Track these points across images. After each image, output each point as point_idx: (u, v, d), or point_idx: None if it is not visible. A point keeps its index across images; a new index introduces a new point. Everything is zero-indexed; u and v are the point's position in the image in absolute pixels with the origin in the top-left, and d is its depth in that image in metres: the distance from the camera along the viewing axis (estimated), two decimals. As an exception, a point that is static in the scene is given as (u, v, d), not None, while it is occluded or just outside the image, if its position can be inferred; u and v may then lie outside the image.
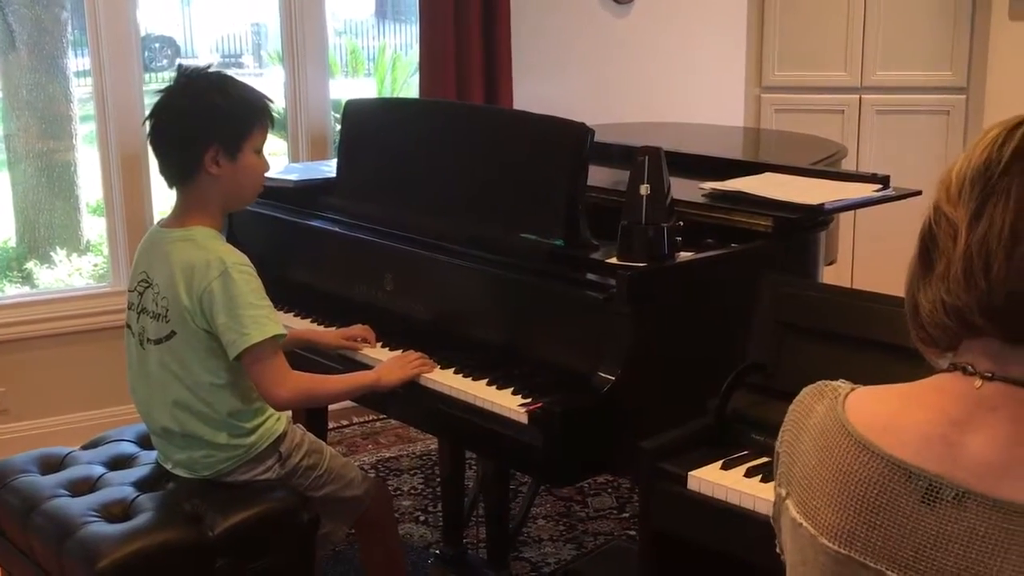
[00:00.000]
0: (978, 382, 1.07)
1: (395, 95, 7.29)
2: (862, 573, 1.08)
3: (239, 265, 2.26)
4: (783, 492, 1.20)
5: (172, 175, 2.34)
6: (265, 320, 2.24)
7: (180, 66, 2.41)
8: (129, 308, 2.40)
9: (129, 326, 2.40)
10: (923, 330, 1.13)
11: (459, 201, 2.67)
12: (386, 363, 2.46)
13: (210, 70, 2.39)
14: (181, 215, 2.35)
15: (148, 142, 2.34)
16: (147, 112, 2.37)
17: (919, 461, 1.06)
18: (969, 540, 1.02)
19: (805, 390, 1.22)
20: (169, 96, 2.33)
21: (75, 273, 4.92)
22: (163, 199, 4.39)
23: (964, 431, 1.06)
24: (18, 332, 3.84)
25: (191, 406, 2.31)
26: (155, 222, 2.44)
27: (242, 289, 2.23)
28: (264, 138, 2.37)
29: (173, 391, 2.31)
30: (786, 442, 1.21)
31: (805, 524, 1.14)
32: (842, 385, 1.19)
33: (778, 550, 1.26)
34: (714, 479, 1.94)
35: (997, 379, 1.07)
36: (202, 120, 2.29)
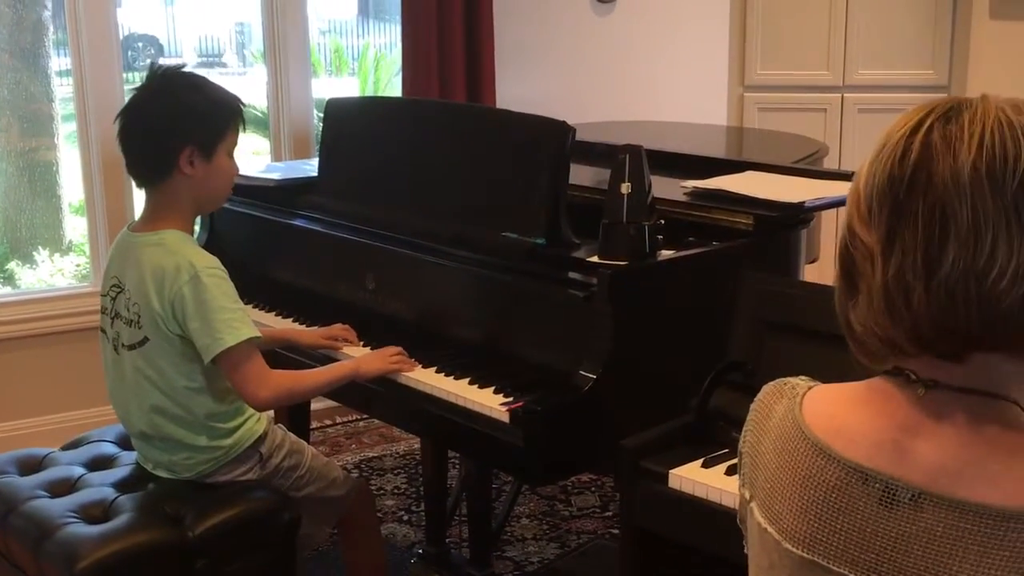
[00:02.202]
0: (921, 390, 1.07)
1: (379, 94, 7.28)
2: None
3: (209, 269, 2.24)
4: (747, 495, 1.20)
5: (143, 175, 2.31)
6: (238, 324, 2.23)
7: (153, 64, 2.38)
8: (103, 312, 2.38)
9: (103, 331, 2.39)
10: (858, 343, 1.12)
11: (441, 200, 2.66)
12: (365, 355, 2.46)
13: (183, 69, 2.38)
14: (151, 218, 2.32)
15: (118, 140, 2.30)
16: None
17: (873, 464, 1.07)
18: (928, 540, 1.03)
19: (765, 388, 1.22)
20: (143, 94, 2.31)
21: (57, 273, 4.89)
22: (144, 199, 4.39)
23: (913, 436, 1.06)
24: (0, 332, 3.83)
25: (168, 410, 2.29)
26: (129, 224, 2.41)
27: (213, 293, 2.22)
28: (236, 140, 2.36)
29: (150, 396, 2.29)
30: (748, 443, 1.21)
31: (770, 529, 1.14)
32: (800, 383, 1.19)
33: (745, 550, 1.26)
34: (695, 477, 1.94)
35: (940, 387, 1.07)
36: (179, 120, 2.27)
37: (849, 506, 1.07)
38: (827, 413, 1.13)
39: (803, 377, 1.21)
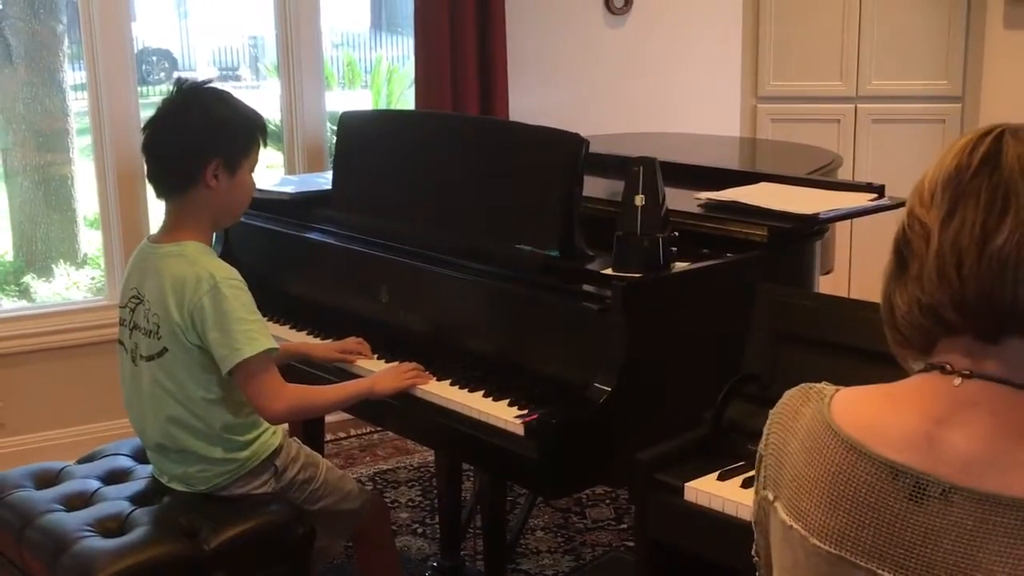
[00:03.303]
0: (957, 380, 1.10)
1: (391, 107, 7.29)
2: (854, 573, 1.10)
3: (229, 280, 2.25)
4: (770, 495, 1.21)
5: (167, 186, 2.33)
6: (256, 335, 2.24)
7: (179, 79, 2.41)
8: (121, 324, 2.39)
9: (122, 342, 2.40)
10: (899, 332, 1.15)
11: (454, 212, 2.67)
12: (381, 372, 2.46)
13: (210, 85, 2.40)
14: (171, 229, 2.34)
15: (143, 150, 2.32)
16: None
17: (904, 459, 1.09)
18: (957, 534, 1.04)
19: (789, 393, 1.24)
20: (171, 106, 2.33)
21: (72, 287, 4.92)
22: (159, 212, 4.39)
23: (945, 428, 1.08)
24: (15, 346, 3.84)
25: (185, 422, 2.30)
26: (148, 236, 2.43)
27: (233, 304, 2.23)
28: (258, 157, 2.38)
29: (167, 407, 2.30)
30: (772, 444, 1.23)
31: (796, 526, 1.15)
32: (826, 387, 1.21)
33: (753, 552, 1.28)
34: (711, 490, 1.93)
35: (975, 376, 1.09)
36: (209, 132, 2.29)
37: (879, 502, 1.09)
38: (858, 411, 1.15)
39: (826, 383, 1.23)
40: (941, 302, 1.09)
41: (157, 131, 2.32)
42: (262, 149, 2.38)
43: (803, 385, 1.23)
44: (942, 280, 1.08)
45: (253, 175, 2.39)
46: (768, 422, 1.25)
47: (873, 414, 1.14)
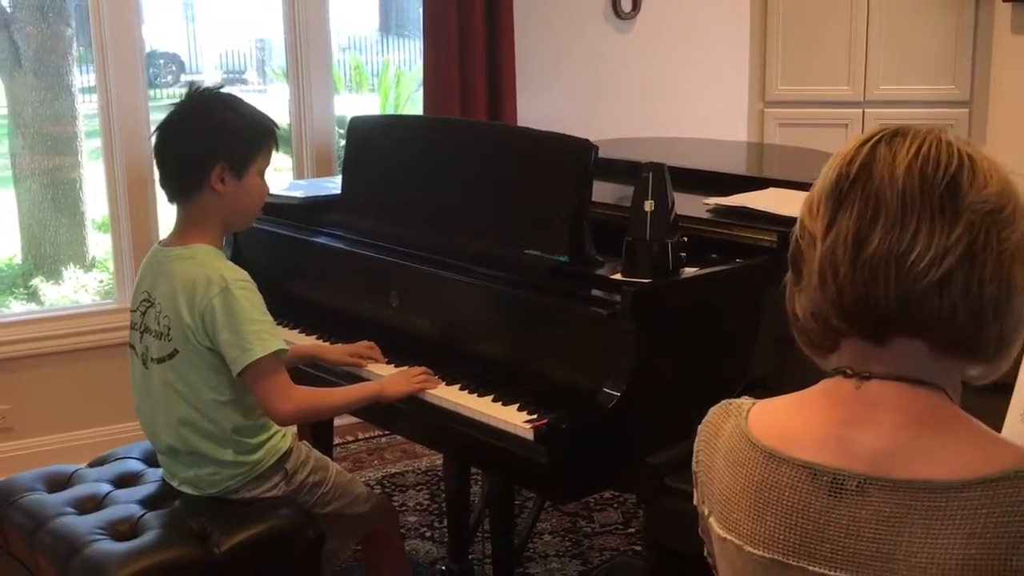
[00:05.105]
0: (857, 383, 1.16)
1: (399, 111, 7.30)
2: (786, 573, 1.16)
3: (239, 281, 2.27)
4: (706, 511, 1.27)
5: (175, 189, 2.35)
6: (267, 335, 2.25)
7: (191, 83, 2.43)
8: (132, 328, 2.41)
9: (132, 346, 2.41)
10: (803, 335, 1.21)
11: (463, 217, 2.67)
12: (390, 376, 2.47)
13: (221, 89, 2.42)
14: (181, 233, 2.36)
15: (154, 154, 2.35)
16: (155, 126, 2.38)
17: (820, 459, 1.15)
18: (877, 523, 1.10)
19: (712, 410, 1.31)
20: (179, 111, 2.35)
21: (81, 290, 4.93)
22: (169, 215, 4.40)
23: (852, 428, 1.15)
24: (24, 349, 3.85)
25: (196, 424, 2.31)
26: (163, 238, 2.45)
27: (243, 305, 2.24)
28: (268, 161, 2.39)
29: (178, 409, 2.31)
30: (701, 463, 1.29)
31: (729, 537, 1.21)
32: (744, 401, 1.28)
33: (706, 554, 1.35)
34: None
35: (873, 377, 1.15)
36: (212, 137, 2.31)
37: (802, 502, 1.15)
38: (772, 422, 1.22)
39: (746, 397, 1.30)
40: (825, 309, 1.15)
41: (165, 136, 2.34)
42: (273, 153, 2.39)
43: (724, 402, 1.30)
44: (823, 288, 1.15)
45: (264, 179, 2.40)
46: (696, 441, 1.31)
47: (786, 422, 1.20)
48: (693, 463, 1.31)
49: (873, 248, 1.11)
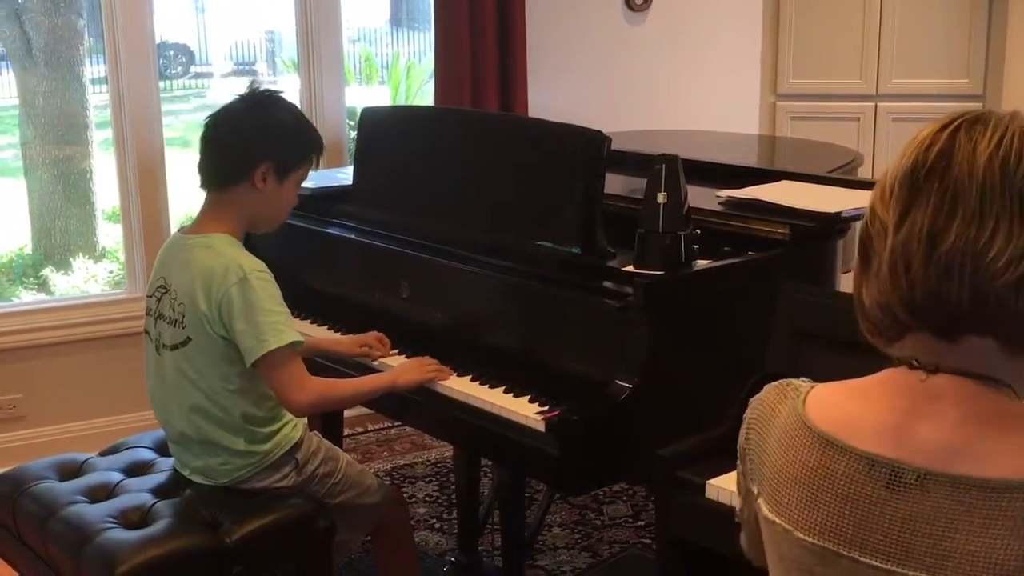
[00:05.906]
0: (923, 375, 1.14)
1: (409, 102, 7.28)
2: (836, 561, 1.14)
3: (257, 272, 2.27)
4: (755, 489, 1.25)
5: (213, 177, 2.36)
6: (283, 327, 2.25)
7: (253, 82, 2.49)
8: (147, 314, 2.42)
9: (147, 332, 2.42)
10: (868, 321, 1.18)
11: (475, 209, 2.67)
12: (403, 365, 2.47)
13: (280, 94, 2.45)
14: (204, 220, 2.37)
15: (201, 139, 2.37)
16: (211, 112, 2.41)
17: (879, 450, 1.12)
18: (934, 518, 1.08)
19: (766, 389, 1.28)
20: (241, 104, 2.39)
21: (91, 280, 4.93)
22: (180, 205, 4.41)
23: (915, 420, 1.12)
24: (35, 339, 3.86)
25: (208, 411, 2.31)
26: (173, 228, 2.46)
27: (260, 295, 2.24)
28: (307, 175, 2.44)
29: (190, 396, 2.32)
30: (752, 440, 1.27)
31: (778, 521, 1.19)
32: (802, 384, 1.25)
33: (742, 544, 1.34)
34: (732, 487, 1.93)
35: (941, 371, 1.13)
36: (266, 135, 2.34)
37: (857, 492, 1.13)
38: (831, 407, 1.19)
39: (804, 379, 1.27)
40: (893, 303, 1.12)
41: (219, 122, 2.37)
42: (313, 168, 2.44)
43: (780, 382, 1.27)
44: (894, 282, 1.12)
45: (297, 191, 2.43)
46: (746, 419, 1.29)
47: (846, 409, 1.18)
48: (742, 439, 1.28)
49: (949, 244, 1.08)
